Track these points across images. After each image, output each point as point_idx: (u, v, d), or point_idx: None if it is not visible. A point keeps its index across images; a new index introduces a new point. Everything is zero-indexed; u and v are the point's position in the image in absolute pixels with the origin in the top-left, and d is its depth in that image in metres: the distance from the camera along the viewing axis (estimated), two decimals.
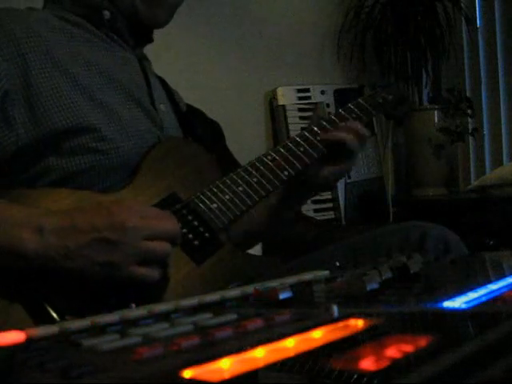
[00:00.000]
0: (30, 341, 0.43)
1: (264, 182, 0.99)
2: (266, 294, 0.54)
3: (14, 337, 0.43)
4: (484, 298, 0.49)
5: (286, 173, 1.01)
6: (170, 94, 1.14)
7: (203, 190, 0.94)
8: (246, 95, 2.36)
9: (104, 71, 0.96)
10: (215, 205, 0.93)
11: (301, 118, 2.39)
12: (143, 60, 1.08)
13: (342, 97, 2.46)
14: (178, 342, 0.38)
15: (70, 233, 0.75)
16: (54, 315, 0.75)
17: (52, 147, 0.87)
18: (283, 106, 2.37)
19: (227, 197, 0.95)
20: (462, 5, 2.58)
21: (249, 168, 1.00)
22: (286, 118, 2.36)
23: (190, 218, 0.91)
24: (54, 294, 0.76)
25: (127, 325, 0.47)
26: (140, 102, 0.99)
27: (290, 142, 1.07)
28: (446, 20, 2.56)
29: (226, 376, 0.32)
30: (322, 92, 2.44)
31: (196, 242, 0.90)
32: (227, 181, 0.97)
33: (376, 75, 2.65)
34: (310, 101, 2.42)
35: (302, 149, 1.06)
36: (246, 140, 2.26)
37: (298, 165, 1.04)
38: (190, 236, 0.89)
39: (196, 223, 0.91)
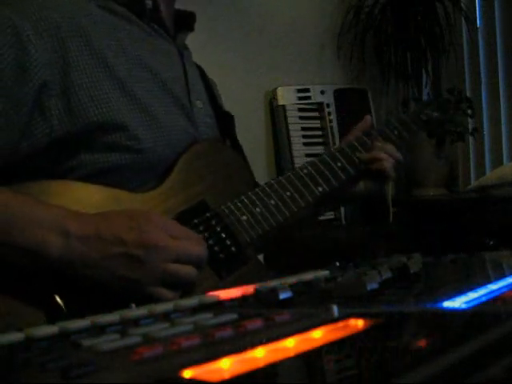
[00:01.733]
0: (29, 341, 0.43)
1: (297, 197, 0.97)
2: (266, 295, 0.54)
3: (14, 337, 0.43)
4: (484, 298, 0.49)
5: (320, 189, 0.99)
6: (209, 88, 1.11)
7: (234, 200, 0.92)
8: (245, 95, 2.35)
9: (143, 64, 0.92)
10: (245, 217, 0.91)
11: (301, 117, 2.39)
12: (183, 50, 1.05)
13: (341, 97, 2.46)
14: (178, 341, 0.38)
15: (95, 241, 0.74)
16: (63, 306, 0.75)
17: (85, 142, 0.85)
18: (283, 105, 2.37)
19: (258, 210, 0.93)
20: (462, 5, 2.58)
21: (283, 181, 0.98)
22: (286, 117, 2.36)
23: (218, 229, 0.89)
24: (65, 289, 0.76)
25: (127, 325, 0.47)
26: (177, 98, 0.95)
27: (328, 156, 1.04)
28: (446, 20, 2.56)
29: (226, 376, 0.32)
30: (322, 92, 2.44)
31: (222, 256, 0.88)
32: (259, 193, 0.94)
33: (376, 75, 2.65)
34: (309, 101, 2.42)
35: (339, 164, 1.03)
36: (246, 140, 2.25)
37: (333, 181, 1.01)
38: (216, 248, 0.88)
39: (223, 235, 0.89)
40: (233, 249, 0.89)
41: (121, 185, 0.87)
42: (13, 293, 0.74)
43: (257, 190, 0.95)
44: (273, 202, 0.95)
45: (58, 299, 0.75)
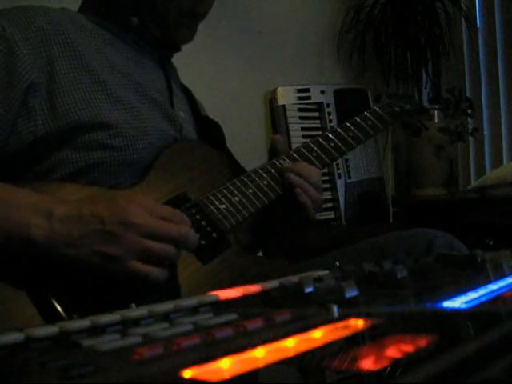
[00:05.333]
0: (29, 341, 0.43)
1: (274, 185, 1.00)
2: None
3: (14, 337, 0.43)
4: (484, 298, 0.49)
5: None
6: (194, 105, 1.15)
7: (213, 191, 0.95)
8: (245, 95, 2.35)
9: (126, 73, 0.97)
10: (224, 206, 0.94)
11: (301, 117, 2.39)
12: (168, 68, 1.09)
13: (341, 97, 2.46)
14: (178, 341, 0.38)
15: (76, 221, 0.76)
16: (60, 310, 0.75)
17: (67, 141, 0.88)
18: (283, 105, 2.37)
19: (236, 198, 0.95)
20: (462, 5, 2.58)
21: (259, 171, 1.01)
22: (285, 118, 2.36)
23: (198, 217, 0.92)
24: (61, 290, 0.76)
25: (127, 325, 0.47)
26: (160, 105, 1.00)
27: (312, 143, 1.07)
28: (446, 20, 2.56)
29: (226, 376, 0.32)
30: (322, 92, 2.44)
31: (203, 242, 0.90)
32: (237, 183, 0.98)
33: (376, 75, 2.65)
34: (309, 101, 2.42)
35: (314, 154, 1.06)
36: (246, 140, 2.26)
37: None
38: (198, 236, 0.89)
39: (204, 223, 0.92)
40: (214, 235, 0.92)
41: (102, 182, 0.90)
42: (8, 294, 0.75)
43: (234, 180, 0.98)
44: (250, 190, 0.98)
45: (54, 302, 0.75)
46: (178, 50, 1.11)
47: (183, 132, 1.03)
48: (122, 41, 1.01)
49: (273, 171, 1.01)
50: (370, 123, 1.12)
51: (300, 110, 2.40)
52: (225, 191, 0.96)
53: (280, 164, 1.02)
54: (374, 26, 2.60)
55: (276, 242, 1.12)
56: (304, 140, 2.38)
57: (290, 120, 2.36)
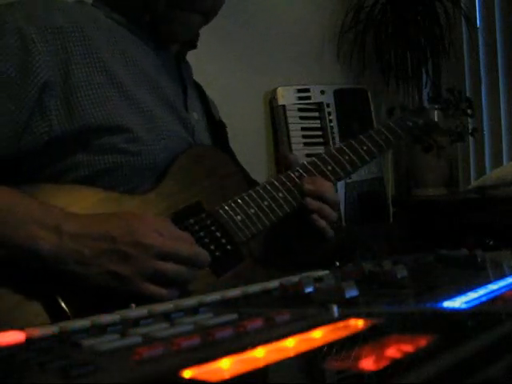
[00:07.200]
0: (29, 341, 0.43)
1: (289, 198, 0.99)
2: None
3: (14, 337, 0.43)
4: (484, 298, 0.49)
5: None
6: (206, 104, 1.13)
7: (229, 201, 0.94)
8: (245, 95, 2.35)
9: (142, 72, 0.95)
10: (239, 217, 0.93)
11: (301, 117, 2.39)
12: (183, 66, 1.08)
13: (341, 97, 2.46)
14: (178, 341, 0.38)
15: (87, 240, 0.75)
16: (66, 309, 0.75)
17: (82, 143, 0.87)
18: (283, 105, 2.37)
19: (252, 210, 0.94)
20: (462, 5, 2.57)
21: (275, 183, 0.99)
22: (286, 117, 2.36)
23: (212, 228, 0.91)
24: (67, 290, 0.76)
25: (127, 325, 0.47)
26: (174, 107, 0.98)
27: (327, 155, 1.06)
28: (446, 20, 2.56)
29: (226, 376, 0.32)
30: (322, 92, 2.44)
31: (217, 254, 0.89)
32: (253, 194, 0.96)
33: (376, 75, 2.65)
34: (309, 101, 2.42)
35: (329, 167, 1.05)
36: (246, 140, 2.26)
37: (331, 178, 1.03)
38: (212, 247, 0.89)
39: (219, 234, 0.91)
40: (228, 247, 0.91)
41: (116, 186, 0.88)
42: (12, 293, 0.75)
43: (250, 191, 0.97)
44: (266, 203, 0.96)
45: (59, 300, 0.75)
46: (194, 47, 1.08)
47: (195, 135, 1.01)
48: (138, 37, 0.99)
49: (288, 183, 1.00)
50: (383, 137, 1.11)
51: (300, 110, 2.40)
52: (240, 202, 0.94)
53: (295, 176, 1.01)
54: (374, 26, 2.60)
55: (288, 257, 1.11)
56: (304, 140, 2.39)
57: (289, 120, 2.36)
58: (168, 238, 0.78)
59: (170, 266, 0.77)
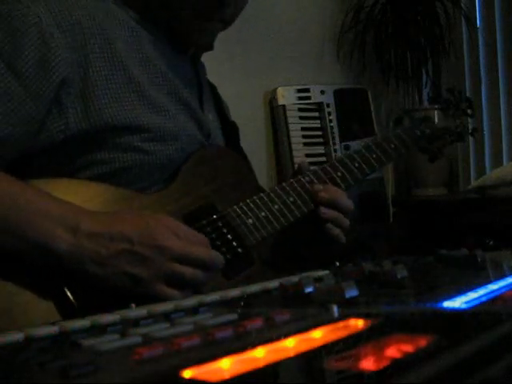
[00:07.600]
0: (29, 341, 0.43)
1: (300, 203, 0.99)
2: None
3: (13, 337, 0.43)
4: (484, 298, 0.49)
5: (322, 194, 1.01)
6: (220, 105, 1.14)
7: (240, 203, 0.94)
8: (245, 95, 2.35)
9: (159, 71, 0.95)
10: (251, 220, 0.93)
11: (301, 117, 2.39)
12: (199, 66, 1.08)
13: (341, 97, 2.46)
14: (178, 341, 0.38)
15: (105, 240, 0.75)
16: (73, 301, 0.75)
17: (99, 141, 0.87)
18: (283, 105, 2.37)
19: (263, 214, 0.95)
20: (462, 5, 2.57)
21: (286, 187, 1.00)
22: (286, 117, 2.36)
23: (224, 230, 0.91)
24: (75, 283, 0.76)
25: (127, 325, 0.47)
26: (190, 108, 0.98)
27: (337, 162, 1.06)
28: (446, 20, 2.56)
29: (226, 376, 0.32)
30: (322, 92, 2.44)
31: (228, 256, 0.89)
32: (264, 197, 0.97)
33: (376, 75, 2.65)
34: (309, 101, 2.42)
35: (339, 173, 1.05)
36: (246, 140, 2.25)
37: (342, 185, 1.04)
38: (223, 249, 0.89)
39: (230, 237, 0.91)
40: (239, 250, 0.91)
41: (130, 185, 0.88)
42: (19, 288, 0.75)
43: (262, 194, 0.97)
44: (277, 206, 0.97)
45: (68, 293, 0.75)
46: (211, 48, 1.07)
47: (211, 137, 1.02)
48: (155, 37, 0.98)
49: (299, 189, 1.00)
50: (393, 146, 1.12)
51: (300, 110, 2.39)
52: (252, 205, 0.94)
53: (306, 181, 1.01)
54: (374, 26, 2.60)
55: (296, 261, 1.11)
56: (304, 140, 2.39)
57: (289, 120, 2.36)
58: (185, 241, 0.78)
59: (186, 270, 0.77)
